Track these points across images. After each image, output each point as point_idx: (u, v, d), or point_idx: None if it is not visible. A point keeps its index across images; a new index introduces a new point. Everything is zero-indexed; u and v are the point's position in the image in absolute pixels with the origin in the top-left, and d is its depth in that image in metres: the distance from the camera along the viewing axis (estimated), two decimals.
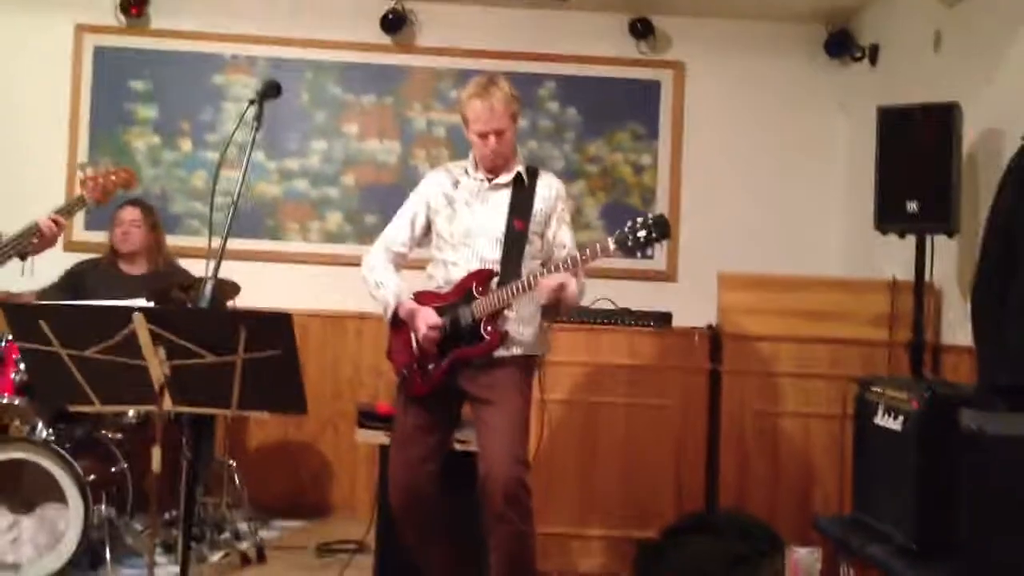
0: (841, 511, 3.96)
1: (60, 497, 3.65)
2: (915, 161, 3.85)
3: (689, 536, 3.93)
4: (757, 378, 4.23)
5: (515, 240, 3.24)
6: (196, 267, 4.19)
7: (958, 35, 4.19)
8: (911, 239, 3.92)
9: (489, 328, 3.18)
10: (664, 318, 4.31)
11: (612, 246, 3.08)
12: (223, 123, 5.34)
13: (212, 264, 2.72)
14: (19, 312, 2.59)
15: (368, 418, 4.00)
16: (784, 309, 4.25)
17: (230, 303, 4.19)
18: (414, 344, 3.25)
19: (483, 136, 3.23)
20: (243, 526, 4.39)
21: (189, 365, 2.47)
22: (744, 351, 4.23)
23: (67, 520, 3.65)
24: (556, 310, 3.24)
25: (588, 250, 3.10)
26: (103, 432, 4.08)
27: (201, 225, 5.29)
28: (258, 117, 2.87)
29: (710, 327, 4.32)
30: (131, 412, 4.00)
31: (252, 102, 2.89)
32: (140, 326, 2.43)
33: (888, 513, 3.29)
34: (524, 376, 3.28)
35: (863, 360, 4.10)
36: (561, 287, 3.07)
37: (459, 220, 3.30)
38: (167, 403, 2.52)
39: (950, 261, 4.04)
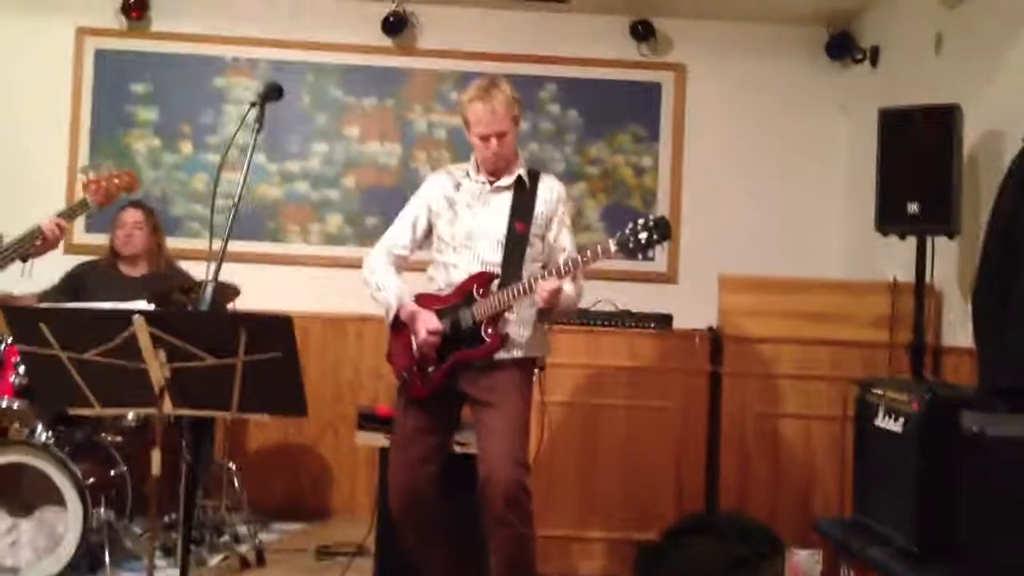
0: (842, 513, 3.96)
1: (59, 500, 3.64)
2: (916, 163, 3.85)
3: (690, 538, 3.93)
4: (758, 380, 4.23)
5: (516, 243, 3.24)
6: (197, 269, 4.19)
7: (959, 37, 4.19)
8: (912, 240, 3.92)
9: (490, 330, 3.18)
10: (665, 320, 4.31)
11: (613, 248, 3.08)
12: (224, 125, 5.35)
13: (213, 266, 2.72)
14: (19, 315, 2.60)
15: (368, 420, 3.99)
16: (785, 311, 4.25)
17: (230, 305, 4.19)
18: (414, 347, 3.25)
19: (484, 139, 3.23)
20: (243, 529, 4.37)
21: (189, 368, 2.46)
22: (745, 353, 4.23)
23: (66, 523, 3.64)
24: (549, 313, 3.24)
25: (589, 252, 3.09)
26: (103, 435, 4.07)
27: (202, 227, 5.29)
28: (259, 119, 2.87)
29: (711, 329, 4.32)
30: (131, 415, 3.99)
31: (253, 104, 2.89)
32: (140, 329, 2.42)
33: (889, 515, 3.28)
34: (524, 378, 3.28)
35: (864, 362, 4.10)
36: (557, 292, 3.07)
37: (460, 223, 3.30)
38: (167, 406, 2.51)
39: (951, 262, 4.03)
